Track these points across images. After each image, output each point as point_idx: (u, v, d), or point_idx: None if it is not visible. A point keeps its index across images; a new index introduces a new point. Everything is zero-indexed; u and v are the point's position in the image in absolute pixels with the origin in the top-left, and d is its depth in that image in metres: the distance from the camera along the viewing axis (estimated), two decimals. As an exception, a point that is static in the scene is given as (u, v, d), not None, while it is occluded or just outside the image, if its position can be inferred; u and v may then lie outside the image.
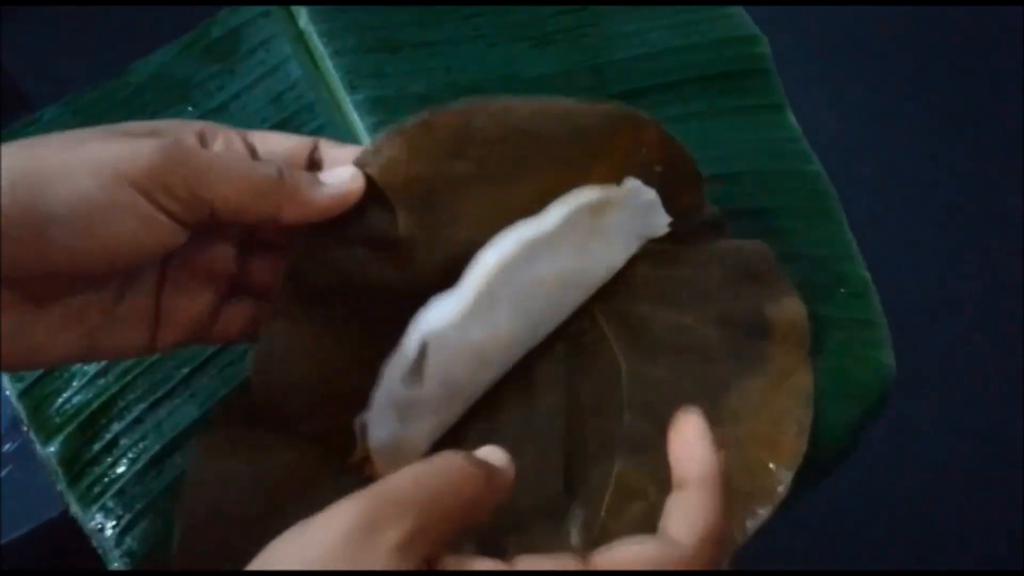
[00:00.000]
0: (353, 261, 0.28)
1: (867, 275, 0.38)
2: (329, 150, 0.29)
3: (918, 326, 0.96)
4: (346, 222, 0.28)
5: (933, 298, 0.98)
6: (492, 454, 0.24)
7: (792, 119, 0.42)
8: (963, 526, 0.88)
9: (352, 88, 0.41)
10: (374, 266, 0.29)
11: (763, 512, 0.30)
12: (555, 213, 0.29)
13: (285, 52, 0.42)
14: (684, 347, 0.32)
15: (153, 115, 0.41)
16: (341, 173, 0.27)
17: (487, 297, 0.28)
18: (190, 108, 0.41)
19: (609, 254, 0.32)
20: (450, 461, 0.22)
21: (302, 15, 0.43)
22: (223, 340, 0.30)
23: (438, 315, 0.28)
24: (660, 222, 0.32)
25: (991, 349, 0.96)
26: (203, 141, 0.27)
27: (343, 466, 0.29)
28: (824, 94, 1.10)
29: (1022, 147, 1.06)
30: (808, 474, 0.35)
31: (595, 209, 0.30)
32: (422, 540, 0.21)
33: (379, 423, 0.28)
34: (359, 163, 0.28)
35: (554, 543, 0.29)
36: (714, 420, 0.30)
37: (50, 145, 0.24)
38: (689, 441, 0.25)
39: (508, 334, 0.30)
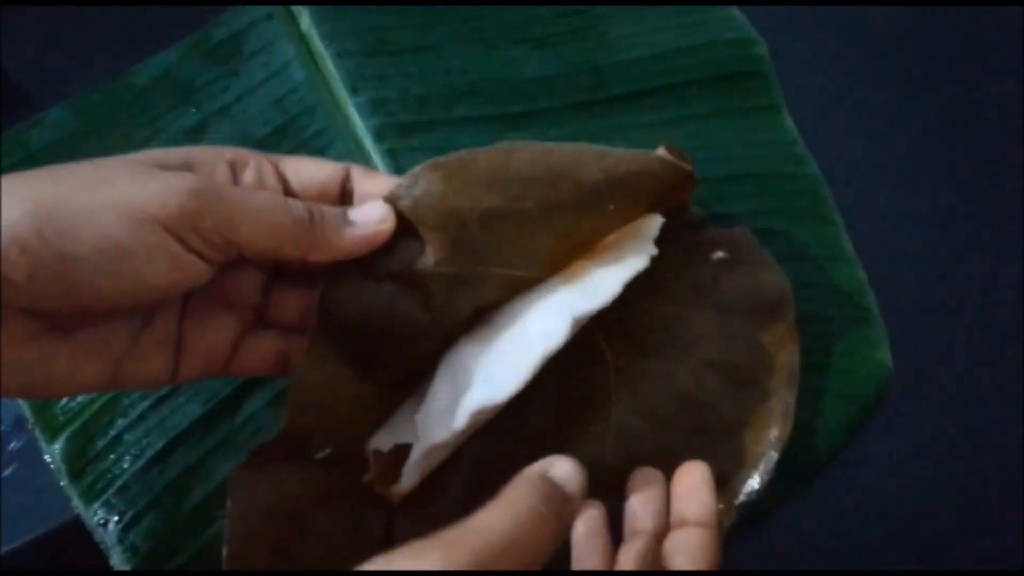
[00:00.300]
0: (383, 297, 0.28)
1: (863, 275, 0.39)
2: (361, 180, 0.29)
3: (916, 326, 0.96)
4: (375, 258, 0.28)
5: (931, 298, 0.98)
6: (561, 471, 0.25)
7: (789, 121, 0.42)
8: (962, 526, 0.88)
9: (354, 90, 0.42)
10: (404, 302, 0.28)
11: (746, 499, 0.31)
12: (609, 282, 0.30)
13: (287, 55, 0.43)
14: (672, 341, 0.33)
15: (156, 117, 0.41)
16: (371, 212, 0.27)
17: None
18: (193, 110, 0.41)
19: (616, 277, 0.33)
20: (525, 505, 0.23)
21: (304, 18, 0.43)
22: (244, 372, 0.29)
23: (488, 395, 0.28)
24: (653, 226, 0.33)
25: (989, 349, 0.96)
26: (235, 170, 0.27)
27: (358, 485, 0.30)
28: (821, 96, 1.10)
29: (1021, 148, 1.06)
30: (804, 472, 0.36)
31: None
32: None
33: (410, 472, 0.29)
34: (392, 197, 0.28)
35: None
36: (695, 404, 0.31)
37: (79, 183, 0.23)
38: (693, 485, 0.28)
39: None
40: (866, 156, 1.07)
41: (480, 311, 0.30)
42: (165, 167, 0.25)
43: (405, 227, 0.28)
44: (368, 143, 0.41)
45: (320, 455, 0.29)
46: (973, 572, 0.86)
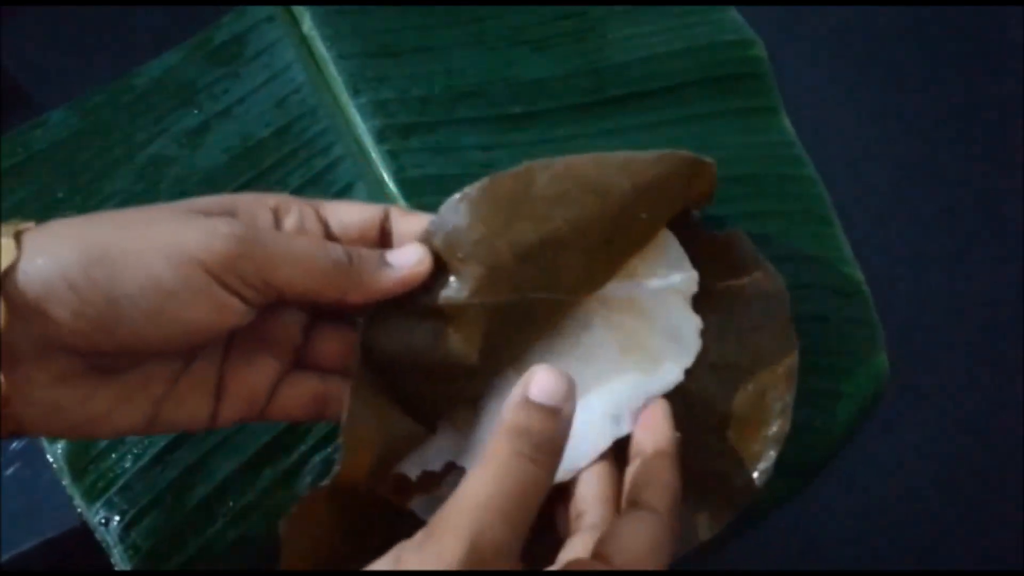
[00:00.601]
0: (425, 333, 0.28)
1: (861, 276, 0.39)
2: (399, 220, 0.29)
3: (914, 326, 0.96)
4: (414, 295, 0.28)
5: (929, 299, 0.98)
6: (539, 387, 0.24)
7: (786, 122, 0.42)
8: (962, 526, 0.88)
9: (355, 92, 0.42)
10: (448, 337, 0.28)
11: (745, 496, 0.31)
12: (674, 369, 0.31)
13: (289, 56, 0.43)
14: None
15: (158, 119, 0.41)
16: (408, 255, 0.27)
17: None
18: (195, 111, 0.42)
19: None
20: (506, 453, 0.22)
21: (306, 19, 0.43)
22: (282, 416, 0.29)
23: None
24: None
25: (988, 349, 0.96)
26: (277, 216, 0.27)
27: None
28: (819, 97, 1.10)
29: (1020, 148, 1.06)
30: (804, 472, 0.36)
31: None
32: (517, 541, 0.22)
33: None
34: (426, 236, 0.28)
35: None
36: (693, 402, 0.31)
37: (125, 226, 0.24)
38: (649, 418, 0.28)
39: None
40: (864, 157, 1.07)
41: (516, 340, 0.29)
42: (208, 213, 0.26)
43: (441, 264, 0.28)
44: (369, 144, 0.41)
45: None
46: (973, 572, 0.86)
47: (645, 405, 0.30)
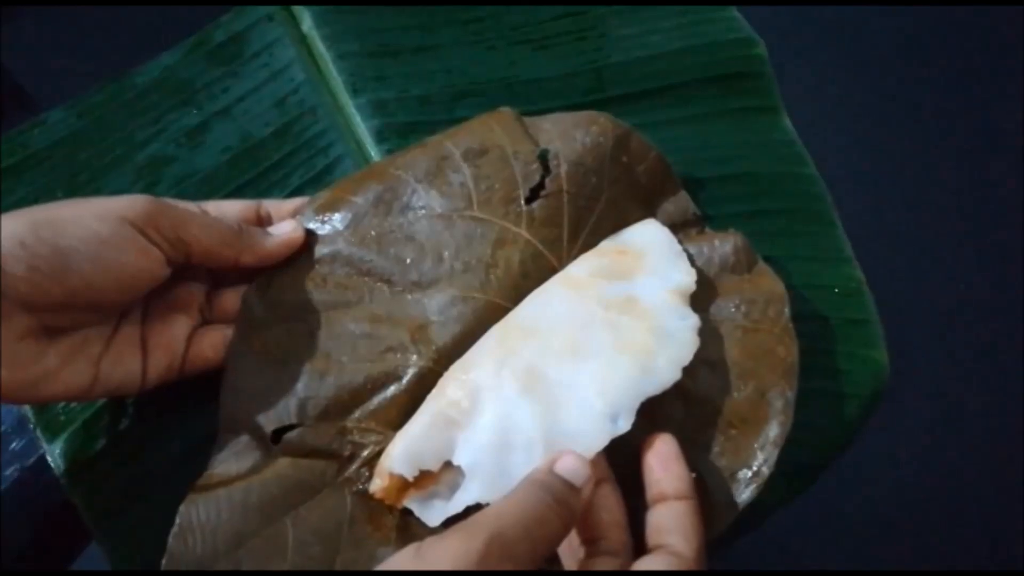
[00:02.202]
0: (313, 281, 0.34)
1: (861, 275, 0.39)
2: (273, 206, 0.36)
3: (914, 326, 0.96)
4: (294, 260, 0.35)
5: (929, 298, 0.98)
6: (565, 465, 0.28)
7: (787, 122, 0.42)
8: (962, 526, 0.88)
9: (355, 91, 0.42)
10: (331, 281, 0.34)
11: (747, 494, 0.31)
12: (671, 367, 0.31)
13: (289, 56, 0.43)
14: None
15: (158, 118, 0.41)
16: (285, 226, 0.35)
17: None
18: (194, 111, 0.42)
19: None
20: (535, 498, 0.26)
21: (305, 19, 0.43)
22: (201, 362, 0.34)
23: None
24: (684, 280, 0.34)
25: (987, 349, 0.96)
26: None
27: (339, 477, 0.31)
28: (820, 96, 1.10)
29: (1020, 148, 1.06)
30: (804, 472, 0.36)
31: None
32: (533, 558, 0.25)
33: (441, 513, 0.30)
34: (297, 212, 0.35)
35: None
36: (694, 401, 0.31)
37: (64, 204, 0.31)
38: (665, 459, 0.30)
39: None
40: (865, 156, 1.07)
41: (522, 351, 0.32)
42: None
43: (312, 234, 0.35)
44: (369, 144, 0.41)
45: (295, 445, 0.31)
46: (973, 572, 0.86)
47: (642, 404, 0.30)
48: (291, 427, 0.32)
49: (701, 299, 0.33)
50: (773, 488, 0.31)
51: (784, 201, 0.40)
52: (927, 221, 1.03)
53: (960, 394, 0.94)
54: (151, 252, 0.31)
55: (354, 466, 0.31)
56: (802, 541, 0.86)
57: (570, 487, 0.27)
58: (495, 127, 0.36)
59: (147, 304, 0.34)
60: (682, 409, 0.32)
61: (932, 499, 0.89)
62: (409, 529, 0.30)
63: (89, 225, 0.29)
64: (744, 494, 0.31)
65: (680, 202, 0.37)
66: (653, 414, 0.31)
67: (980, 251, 1.01)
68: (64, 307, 0.30)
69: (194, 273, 0.35)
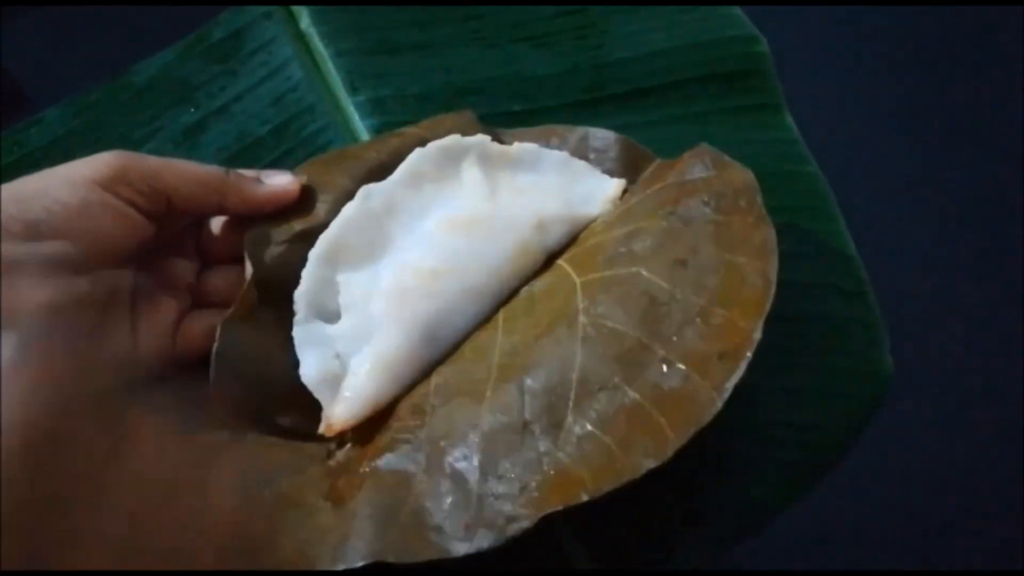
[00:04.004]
0: (297, 258, 0.33)
1: (864, 275, 0.39)
2: (267, 176, 0.34)
3: (916, 326, 0.96)
4: (287, 217, 0.33)
5: (932, 299, 0.98)
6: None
7: (789, 120, 0.42)
8: (962, 526, 0.88)
9: (353, 89, 0.42)
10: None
11: (740, 367, 0.28)
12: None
13: (287, 54, 0.42)
14: (634, 250, 0.32)
15: (155, 116, 0.41)
16: (280, 177, 0.33)
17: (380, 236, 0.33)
18: (192, 109, 0.41)
19: (528, 203, 0.35)
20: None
21: (303, 17, 0.43)
22: (192, 348, 0.32)
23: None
24: (606, 186, 0.36)
25: (989, 349, 0.96)
26: None
27: (322, 453, 0.31)
28: (822, 94, 1.10)
29: (1021, 147, 1.06)
30: (806, 472, 0.36)
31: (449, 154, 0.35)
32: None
33: (308, 359, 0.31)
34: (296, 173, 0.34)
35: (520, 450, 0.28)
36: (674, 297, 0.31)
37: (31, 177, 0.29)
38: None
39: (429, 270, 0.33)
40: (867, 155, 1.07)
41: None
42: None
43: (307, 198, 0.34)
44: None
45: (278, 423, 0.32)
46: (973, 572, 0.86)
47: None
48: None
49: (669, 213, 0.33)
50: (774, 490, 0.31)
51: (787, 199, 0.40)
52: (932, 221, 1.03)
53: (964, 396, 0.94)
54: (127, 214, 0.29)
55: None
56: (802, 541, 0.86)
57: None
58: (450, 127, 0.37)
59: (136, 281, 0.32)
60: (655, 307, 0.30)
61: (933, 499, 0.89)
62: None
63: (56, 194, 0.28)
64: (734, 378, 0.28)
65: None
66: (628, 316, 0.30)
67: (986, 249, 1.01)
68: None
69: (182, 249, 0.34)
